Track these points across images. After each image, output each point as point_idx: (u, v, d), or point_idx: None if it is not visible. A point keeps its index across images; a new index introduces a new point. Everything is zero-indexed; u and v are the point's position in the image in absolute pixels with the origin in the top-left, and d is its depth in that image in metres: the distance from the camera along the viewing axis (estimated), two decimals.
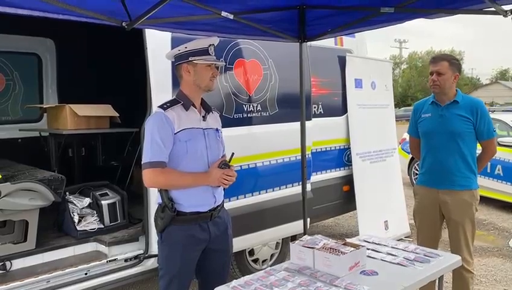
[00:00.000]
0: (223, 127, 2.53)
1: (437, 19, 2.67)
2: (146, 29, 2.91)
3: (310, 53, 3.98)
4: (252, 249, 3.86)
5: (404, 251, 2.40)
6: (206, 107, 2.41)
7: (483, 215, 6.25)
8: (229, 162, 2.31)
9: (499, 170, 6.58)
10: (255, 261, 3.91)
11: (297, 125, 3.45)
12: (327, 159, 4.47)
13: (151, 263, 3.09)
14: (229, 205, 3.34)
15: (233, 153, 2.35)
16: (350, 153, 4.64)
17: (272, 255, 4.03)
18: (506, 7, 2.22)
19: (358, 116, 4.67)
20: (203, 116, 2.35)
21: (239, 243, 3.42)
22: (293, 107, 3.62)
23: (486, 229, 5.74)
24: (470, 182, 2.99)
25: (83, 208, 3.40)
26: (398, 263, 2.21)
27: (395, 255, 2.31)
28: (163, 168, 2.19)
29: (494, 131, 3.04)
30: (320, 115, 4.37)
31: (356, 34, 4.70)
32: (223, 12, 2.60)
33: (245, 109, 3.47)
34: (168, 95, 2.91)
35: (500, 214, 6.39)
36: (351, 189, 4.61)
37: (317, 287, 1.91)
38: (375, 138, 4.92)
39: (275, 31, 3.11)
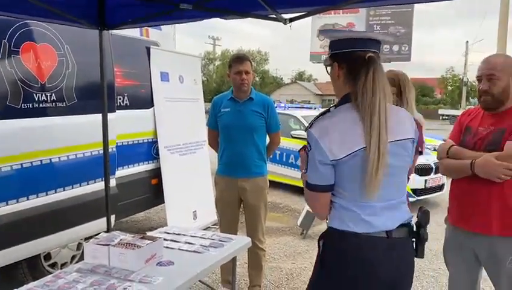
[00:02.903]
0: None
1: (239, 19, 2.84)
2: None
3: (113, 42, 3.80)
4: (49, 253, 3.52)
5: (202, 238, 2.53)
6: None
7: (279, 199, 7.06)
8: None
9: (292, 159, 7.50)
10: (53, 265, 3.57)
11: (99, 117, 3.27)
12: (134, 153, 4.36)
13: None
14: (15, 207, 2.98)
15: None
16: (159, 146, 4.64)
17: (73, 257, 3.74)
18: (285, 16, 2.53)
19: (166, 109, 4.68)
20: None
21: (30, 248, 3.10)
22: (94, 97, 3.40)
23: (282, 211, 6.50)
24: (263, 169, 3.33)
25: None
26: (194, 251, 2.31)
27: (193, 244, 2.41)
28: None
29: (280, 124, 3.45)
30: (126, 107, 4.23)
31: (163, 26, 4.72)
32: None
33: (36, 99, 3.11)
34: None
35: (293, 197, 7.29)
36: (160, 182, 4.62)
37: (111, 284, 1.86)
38: (184, 131, 5.02)
39: (71, 16, 2.86)
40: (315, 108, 10.74)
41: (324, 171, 1.54)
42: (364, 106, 1.52)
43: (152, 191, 4.58)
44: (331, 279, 1.61)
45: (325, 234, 1.66)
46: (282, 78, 64.17)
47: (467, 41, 44.54)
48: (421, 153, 2.59)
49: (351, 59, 1.60)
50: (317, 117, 1.61)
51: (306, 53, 30.15)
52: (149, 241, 2.12)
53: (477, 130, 2.21)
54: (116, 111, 3.86)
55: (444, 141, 2.41)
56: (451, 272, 2.40)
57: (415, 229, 1.69)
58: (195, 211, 5.04)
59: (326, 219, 1.68)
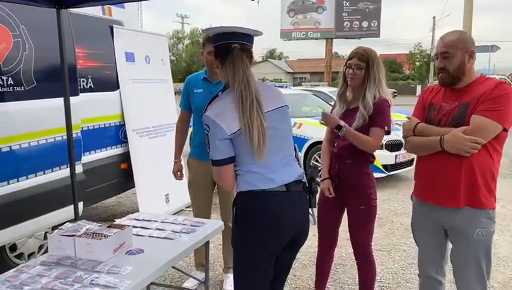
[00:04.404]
0: None
1: None
2: None
3: (74, 22, 3.61)
4: (14, 244, 3.39)
5: (173, 223, 2.46)
6: None
7: None
8: None
9: None
10: (19, 256, 3.45)
11: (61, 101, 3.12)
12: (101, 137, 4.21)
13: None
14: None
15: None
16: (126, 130, 4.49)
17: (40, 247, 3.62)
18: None
19: (132, 91, 4.53)
20: None
21: None
22: (55, 80, 3.23)
23: None
24: None
25: None
26: (165, 237, 2.25)
27: (163, 230, 2.35)
28: None
29: None
30: (90, 90, 4.06)
31: (126, 5, 4.53)
32: None
33: None
34: None
35: None
36: (130, 166, 4.50)
37: (77, 276, 1.78)
38: (153, 113, 4.89)
39: None
40: (286, 86, 10.70)
41: (224, 145, 1.80)
42: (234, 89, 1.81)
43: (121, 175, 4.47)
44: (246, 234, 1.86)
45: (235, 199, 1.91)
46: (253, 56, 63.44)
47: (434, 17, 45.12)
48: (388, 132, 2.56)
49: (221, 50, 1.88)
50: (210, 102, 1.86)
51: (276, 30, 29.89)
52: (117, 230, 2.04)
53: (440, 106, 2.21)
54: (80, 94, 3.70)
55: (408, 118, 2.40)
56: (420, 246, 2.43)
57: (307, 184, 1.99)
58: (167, 194, 4.96)
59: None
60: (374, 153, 2.66)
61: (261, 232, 1.84)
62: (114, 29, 4.31)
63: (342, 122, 2.56)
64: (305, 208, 1.97)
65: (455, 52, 2.11)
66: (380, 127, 2.52)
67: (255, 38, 1.97)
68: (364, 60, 2.54)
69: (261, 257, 1.87)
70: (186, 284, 3.36)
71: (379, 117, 2.52)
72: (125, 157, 4.49)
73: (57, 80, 3.14)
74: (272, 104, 1.88)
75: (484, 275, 2.17)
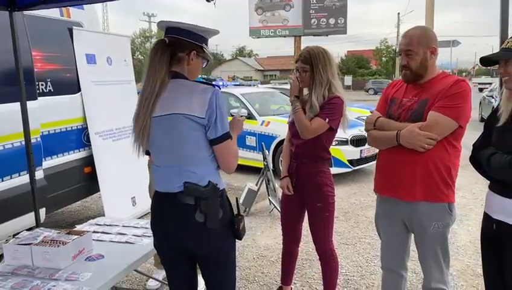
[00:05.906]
0: None
1: None
2: None
3: (30, 24, 3.53)
4: None
5: (135, 227, 2.45)
6: None
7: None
8: None
9: None
10: None
11: (18, 106, 3.04)
12: (63, 142, 4.13)
13: None
14: None
15: None
16: (89, 133, 4.42)
17: (1, 256, 3.52)
18: None
19: (94, 93, 4.45)
20: None
21: None
22: (11, 85, 3.15)
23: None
24: None
25: None
26: (126, 242, 2.25)
27: (125, 234, 2.33)
28: None
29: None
30: (50, 94, 3.97)
31: (86, 6, 4.45)
32: None
33: None
34: None
35: (237, 175, 7.28)
36: (94, 170, 4.43)
37: (34, 286, 1.76)
38: (117, 116, 4.81)
39: None
40: (254, 85, 10.75)
41: None
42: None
43: (85, 180, 4.39)
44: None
45: None
46: (222, 54, 63.35)
47: (398, 13, 46.16)
48: (331, 129, 2.59)
49: None
50: None
51: (245, 28, 29.84)
52: (76, 237, 2.02)
53: (401, 102, 2.26)
54: (39, 98, 3.62)
55: (371, 112, 2.45)
56: (383, 240, 2.48)
57: (199, 203, 1.77)
58: (133, 197, 4.91)
59: None
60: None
61: (152, 230, 1.89)
62: (74, 31, 4.22)
63: (300, 97, 2.61)
64: (188, 221, 1.75)
65: (417, 50, 2.14)
66: (321, 117, 2.54)
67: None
68: (307, 62, 2.56)
69: (160, 255, 1.91)
70: (150, 284, 3.33)
71: (323, 110, 2.56)
72: (89, 161, 4.41)
73: (14, 84, 3.06)
74: (168, 109, 1.75)
75: (442, 265, 2.24)
